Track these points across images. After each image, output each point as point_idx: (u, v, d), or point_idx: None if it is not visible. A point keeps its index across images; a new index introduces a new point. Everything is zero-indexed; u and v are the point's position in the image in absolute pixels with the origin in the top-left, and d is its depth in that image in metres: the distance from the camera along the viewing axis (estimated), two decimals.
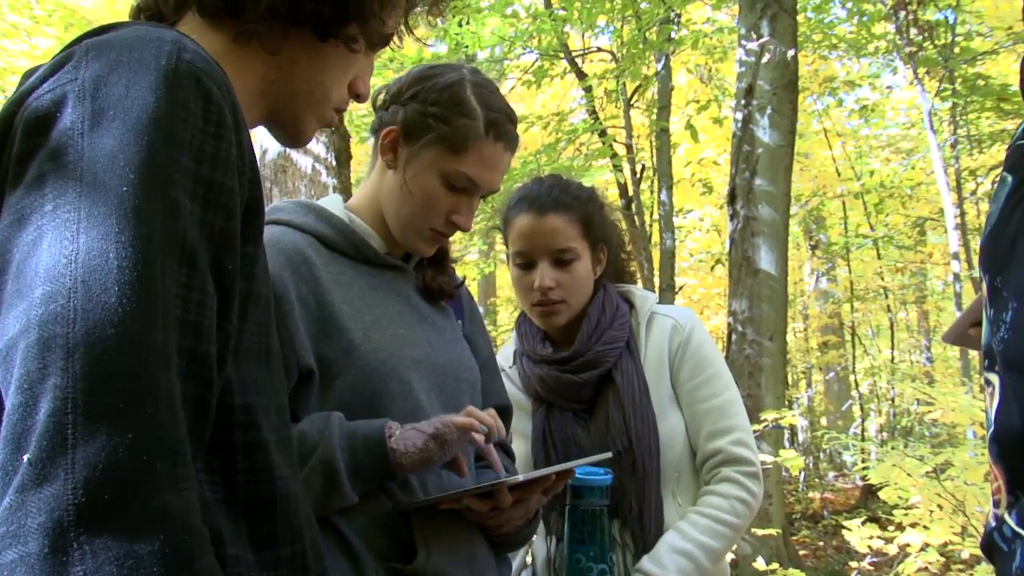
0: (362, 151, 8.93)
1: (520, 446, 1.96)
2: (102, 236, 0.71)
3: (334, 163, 5.10)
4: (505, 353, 2.10)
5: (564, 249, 1.90)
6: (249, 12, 0.96)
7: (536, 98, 11.47)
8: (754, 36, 6.88)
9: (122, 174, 0.74)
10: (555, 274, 1.90)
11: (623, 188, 8.88)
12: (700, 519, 1.83)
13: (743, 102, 7.00)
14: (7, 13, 9.76)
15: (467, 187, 1.51)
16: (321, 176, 4.88)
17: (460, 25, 8.46)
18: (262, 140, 4.83)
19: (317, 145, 4.92)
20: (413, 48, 9.69)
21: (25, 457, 0.66)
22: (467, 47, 8.69)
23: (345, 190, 5.02)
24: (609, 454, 1.67)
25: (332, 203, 1.59)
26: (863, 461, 7.50)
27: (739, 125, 7.04)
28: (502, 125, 1.52)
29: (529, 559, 2.02)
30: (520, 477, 1.42)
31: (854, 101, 10.60)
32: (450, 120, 1.49)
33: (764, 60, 6.83)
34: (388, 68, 8.89)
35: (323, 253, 1.50)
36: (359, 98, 1.12)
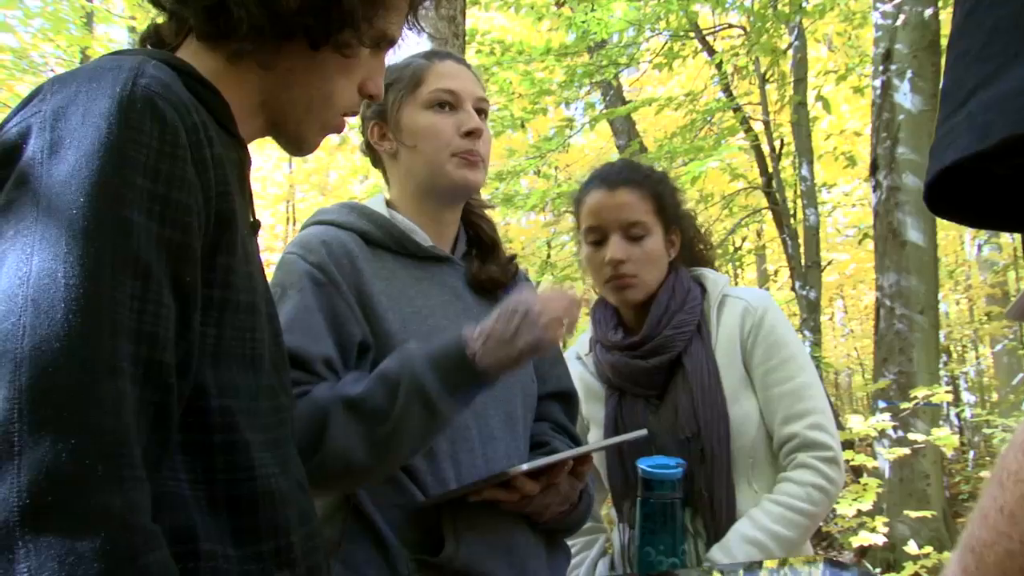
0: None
1: (594, 433, 1.98)
2: (52, 257, 0.77)
3: None
4: (581, 340, 2.12)
5: (635, 223, 1.90)
6: (235, 33, 1.01)
7: (670, 81, 11.31)
8: None
9: (73, 197, 0.79)
10: (626, 248, 1.90)
11: (763, 165, 8.67)
12: (773, 507, 1.78)
13: (881, 68, 6.71)
14: None
15: (451, 101, 1.62)
16: None
17: (586, 13, 8.45)
18: None
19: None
20: (541, 39, 9.74)
21: None
22: (595, 34, 8.67)
23: None
24: (644, 432, 1.67)
25: (375, 202, 1.67)
26: None
27: (878, 92, 6.75)
28: (435, 52, 1.68)
29: (608, 547, 2.03)
30: (524, 467, 1.41)
31: None
32: (401, 77, 1.63)
33: (901, 22, 6.53)
34: (518, 61, 8.98)
35: (366, 249, 1.57)
36: (372, 98, 1.15)
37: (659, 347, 1.90)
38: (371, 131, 1.68)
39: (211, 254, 0.91)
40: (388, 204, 1.68)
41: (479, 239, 1.74)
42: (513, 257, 1.76)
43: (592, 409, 2.01)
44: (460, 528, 1.46)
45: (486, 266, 1.70)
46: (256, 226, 1.08)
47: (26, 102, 0.89)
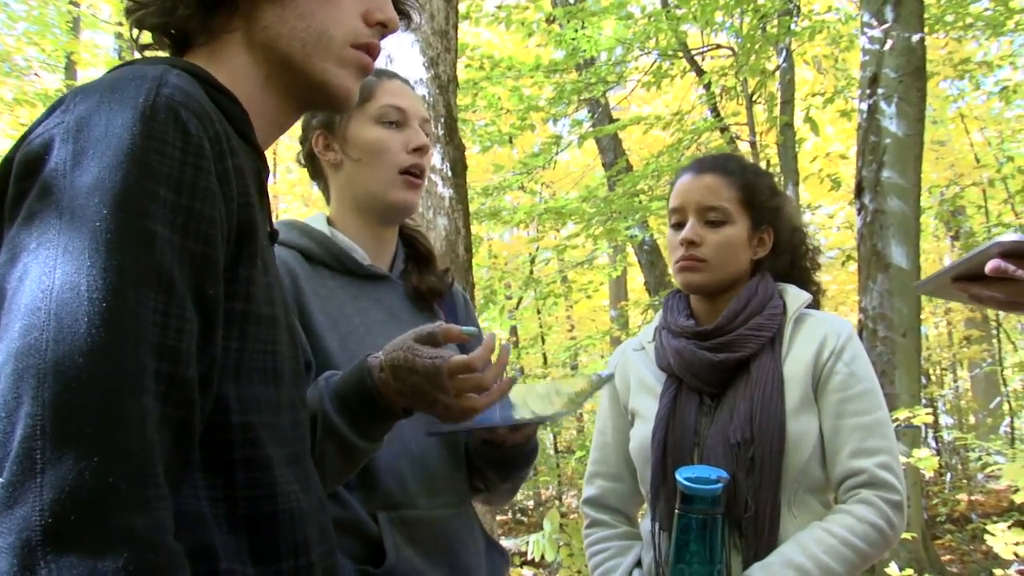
0: (473, 162, 9.04)
1: (641, 428, 1.92)
2: (75, 270, 0.75)
3: (450, 174, 5.18)
4: (646, 330, 2.07)
5: (714, 207, 1.87)
6: (184, 21, 1.01)
7: (657, 100, 11.37)
8: (876, 23, 6.65)
9: (96, 209, 0.77)
10: (701, 231, 1.86)
11: None
12: (826, 537, 1.69)
13: (868, 91, 6.76)
14: None
15: (399, 119, 1.65)
16: (437, 187, 4.97)
17: (576, 30, 8.49)
18: None
19: (433, 156, 5.02)
20: (530, 55, 9.78)
21: (0, 481, 0.70)
22: (584, 51, 8.71)
23: (461, 200, 5.08)
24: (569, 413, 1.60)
25: (316, 219, 1.69)
26: (1013, 461, 7.10)
27: (864, 116, 6.80)
28: (384, 72, 1.72)
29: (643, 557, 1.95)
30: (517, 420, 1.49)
31: (993, 83, 10.05)
32: None
33: (888, 47, 6.59)
34: (507, 76, 9.01)
35: (306, 267, 1.59)
36: (385, 26, 1.08)
37: (730, 344, 1.83)
38: (316, 140, 1.68)
39: (233, 266, 0.89)
40: (329, 222, 1.69)
41: (416, 252, 1.77)
42: (447, 270, 1.81)
43: (640, 401, 1.96)
44: (400, 540, 1.48)
45: (425, 277, 1.73)
46: (274, 236, 1.06)
47: (49, 112, 0.87)
